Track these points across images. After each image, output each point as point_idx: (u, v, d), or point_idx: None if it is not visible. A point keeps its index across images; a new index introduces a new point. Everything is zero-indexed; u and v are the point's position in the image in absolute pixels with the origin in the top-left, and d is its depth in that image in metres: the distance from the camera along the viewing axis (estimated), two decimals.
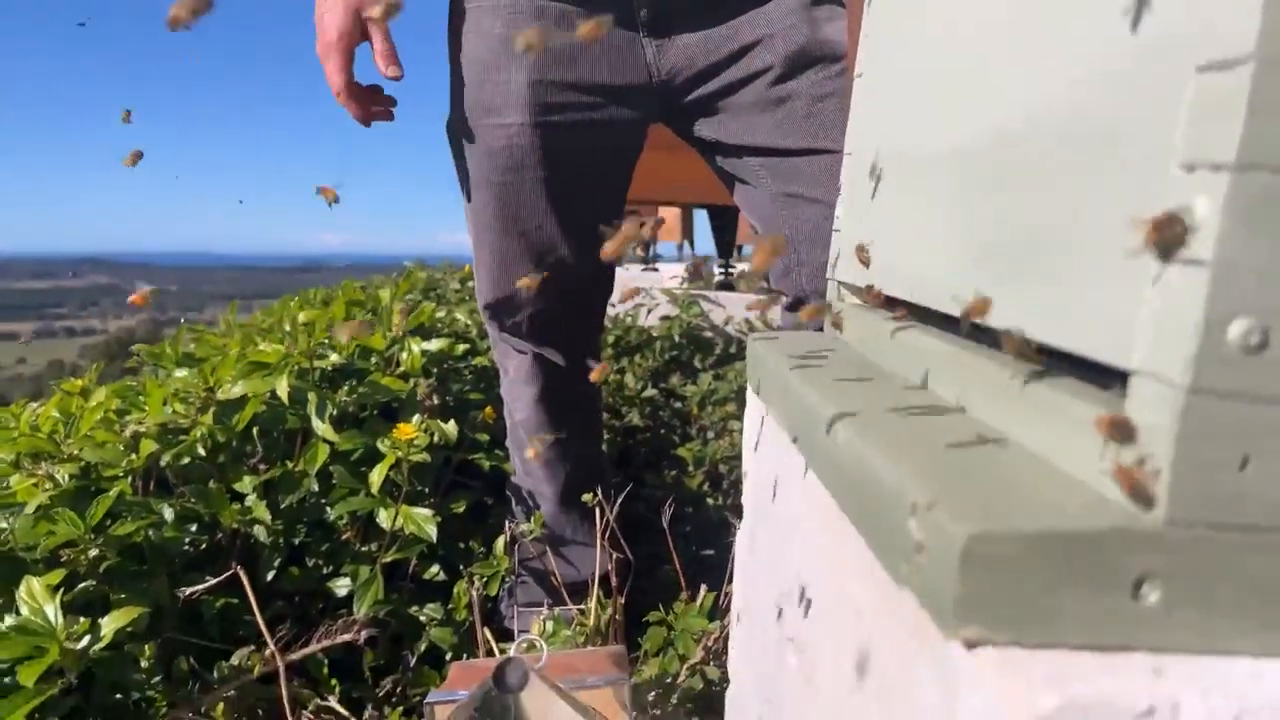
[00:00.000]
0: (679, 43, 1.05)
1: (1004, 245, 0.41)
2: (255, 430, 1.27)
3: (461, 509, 1.27)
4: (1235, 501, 0.28)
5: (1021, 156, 0.40)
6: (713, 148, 1.11)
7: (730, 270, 4.53)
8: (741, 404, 2.22)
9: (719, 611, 0.97)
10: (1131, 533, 0.28)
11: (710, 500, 1.73)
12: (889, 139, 0.61)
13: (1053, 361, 0.39)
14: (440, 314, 1.98)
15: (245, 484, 1.22)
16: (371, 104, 1.07)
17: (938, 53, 0.53)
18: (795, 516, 0.54)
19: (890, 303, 0.59)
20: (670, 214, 5.25)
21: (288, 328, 1.37)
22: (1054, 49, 0.39)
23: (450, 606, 1.18)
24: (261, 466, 1.26)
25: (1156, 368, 0.29)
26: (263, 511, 1.18)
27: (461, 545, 1.31)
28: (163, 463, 1.17)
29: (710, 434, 2.11)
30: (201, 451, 1.22)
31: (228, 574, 1.04)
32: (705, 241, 7.56)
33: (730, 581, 0.89)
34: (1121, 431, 0.30)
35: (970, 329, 0.42)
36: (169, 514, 1.12)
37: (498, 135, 1.08)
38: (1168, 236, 0.28)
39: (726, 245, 4.80)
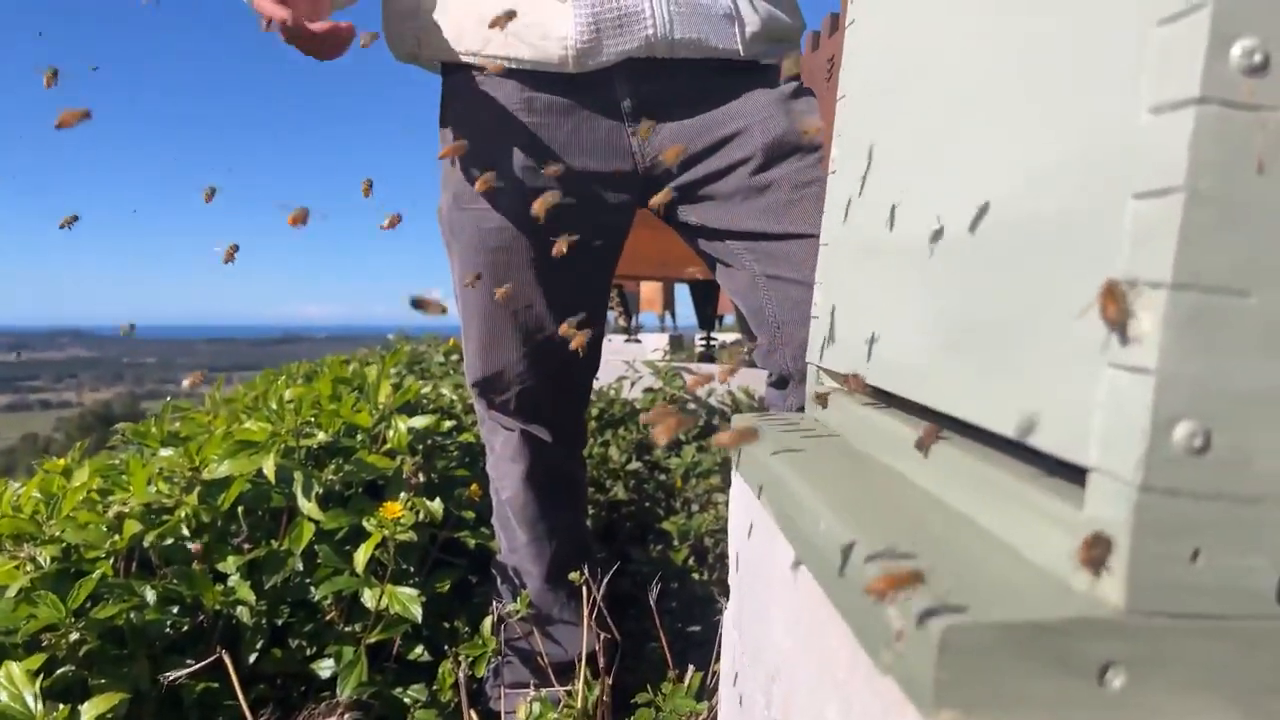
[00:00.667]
0: (662, 132, 1.10)
1: (969, 341, 0.44)
2: (240, 509, 1.27)
3: (446, 588, 1.26)
4: (1189, 591, 0.31)
5: (982, 257, 0.44)
6: (696, 232, 1.15)
7: (713, 342, 4.58)
8: (725, 476, 2.23)
9: (707, 691, 0.97)
10: (1095, 622, 0.30)
11: (696, 575, 1.73)
12: (862, 232, 0.65)
13: (1023, 453, 0.41)
14: (425, 389, 1.99)
15: (229, 564, 1.21)
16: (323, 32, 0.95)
17: (904, 154, 0.57)
18: (781, 599, 0.55)
19: (868, 386, 0.62)
20: (653, 287, 5.33)
21: (274, 405, 1.38)
22: (1010, 159, 0.42)
23: (435, 688, 1.17)
24: (246, 546, 1.26)
25: (1111, 466, 0.31)
26: (246, 592, 1.17)
27: (446, 624, 1.30)
28: (146, 543, 1.16)
29: (695, 507, 2.12)
30: (185, 532, 1.22)
31: (211, 658, 1.03)
32: (687, 313, 7.66)
33: (718, 660, 0.90)
34: (1096, 554, 0.32)
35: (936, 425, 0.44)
36: (151, 596, 1.11)
37: (490, 218, 1.11)
38: (1120, 304, 0.30)
39: (708, 318, 4.87)
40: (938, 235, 0.49)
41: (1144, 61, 0.32)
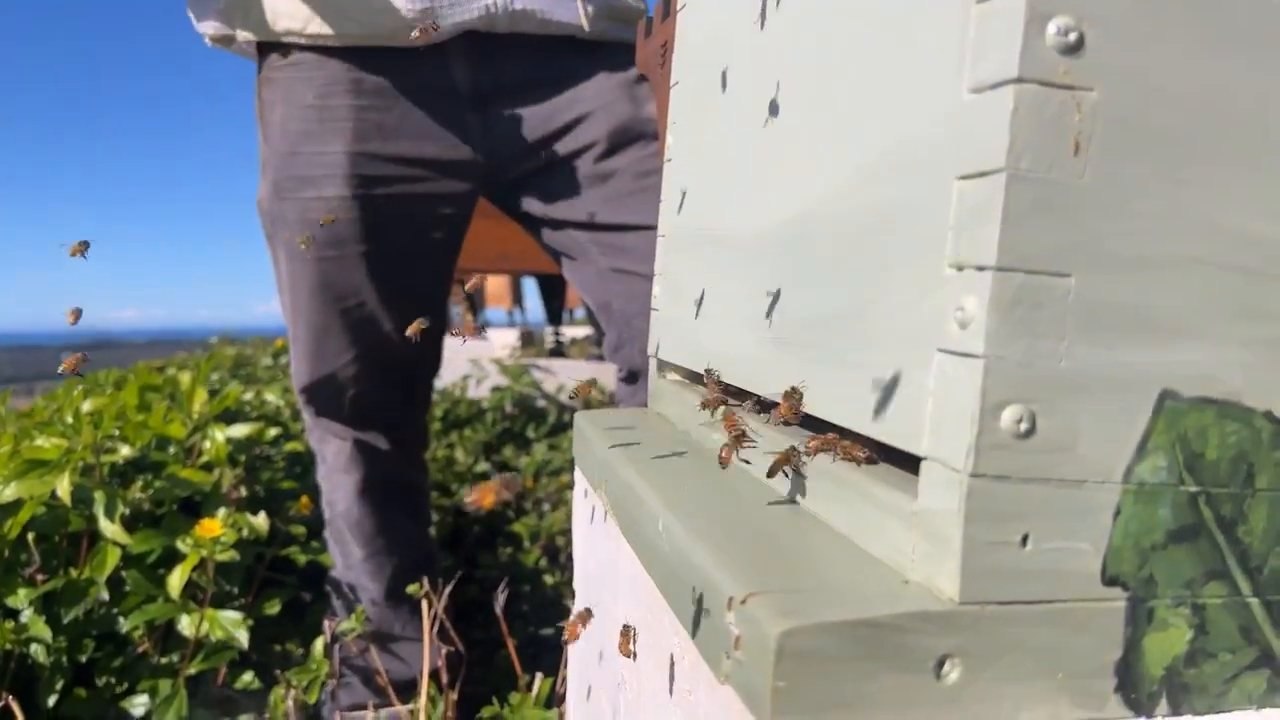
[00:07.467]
0: (503, 118, 1.06)
1: (805, 333, 0.43)
2: (31, 536, 1.13)
3: (276, 609, 1.17)
4: (1020, 577, 0.30)
5: (812, 248, 0.43)
6: (539, 222, 1.12)
7: (560, 337, 4.55)
8: None
9: (557, 698, 0.95)
10: (929, 615, 0.30)
11: (548, 577, 1.70)
12: (696, 222, 0.63)
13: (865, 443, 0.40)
14: (248, 396, 1.86)
15: (20, 598, 1.08)
16: None
17: (735, 142, 0.56)
18: (624, 604, 0.53)
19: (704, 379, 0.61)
20: (499, 281, 5.24)
21: (70, 419, 1.24)
22: (836, 146, 0.41)
23: (267, 717, 1.08)
24: (39, 577, 1.13)
25: (941, 454, 0.31)
26: (41, 628, 1.05)
27: (277, 648, 1.21)
28: None
29: (546, 506, 2.08)
30: None
31: None
32: (535, 307, 7.58)
33: (567, 666, 0.87)
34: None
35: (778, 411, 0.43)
36: None
37: (315, 208, 1.03)
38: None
39: (555, 312, 4.83)
40: (768, 226, 0.48)
41: (965, 41, 0.31)
